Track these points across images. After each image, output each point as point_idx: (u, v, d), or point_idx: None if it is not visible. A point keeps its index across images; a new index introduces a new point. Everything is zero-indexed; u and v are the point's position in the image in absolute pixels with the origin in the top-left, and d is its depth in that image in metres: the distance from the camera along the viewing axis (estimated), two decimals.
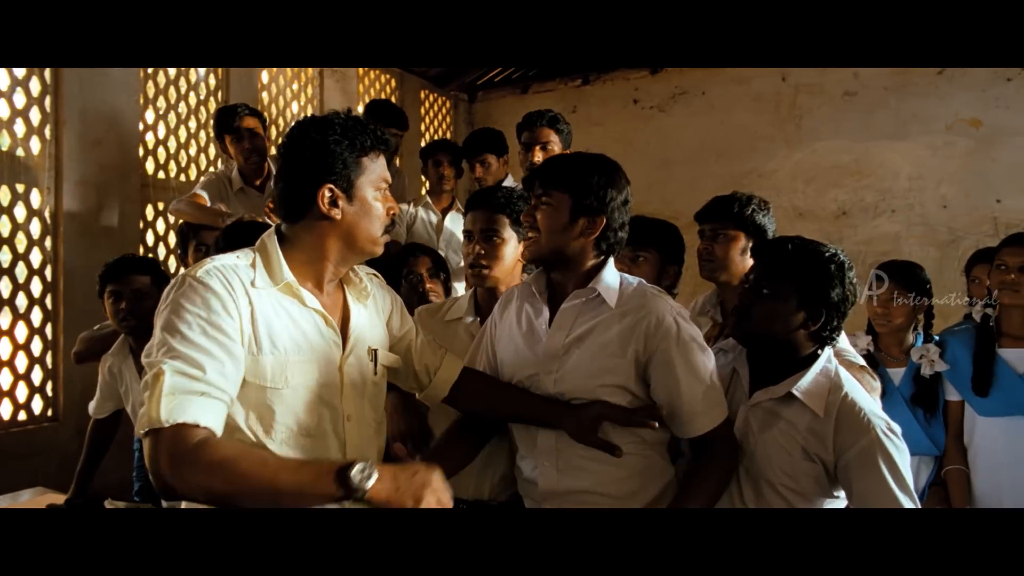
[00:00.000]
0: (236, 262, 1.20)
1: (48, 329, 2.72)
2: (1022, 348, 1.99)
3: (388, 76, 4.37)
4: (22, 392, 2.67)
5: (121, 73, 2.88)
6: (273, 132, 3.41)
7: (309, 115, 1.36)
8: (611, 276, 1.42)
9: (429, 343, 1.48)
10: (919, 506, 1.32)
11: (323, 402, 1.23)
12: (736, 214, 1.81)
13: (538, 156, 2.62)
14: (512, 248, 1.64)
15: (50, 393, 2.74)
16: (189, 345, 1.08)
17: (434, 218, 3.06)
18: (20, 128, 2.62)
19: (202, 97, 3.30)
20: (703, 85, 4.25)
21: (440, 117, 4.85)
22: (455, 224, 3.00)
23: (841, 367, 1.42)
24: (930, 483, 2.12)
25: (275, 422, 1.18)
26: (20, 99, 2.62)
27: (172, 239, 3.13)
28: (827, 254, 1.38)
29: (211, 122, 3.22)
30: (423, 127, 4.68)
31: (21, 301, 2.64)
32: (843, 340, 1.63)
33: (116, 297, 2.06)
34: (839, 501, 1.39)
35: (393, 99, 4.30)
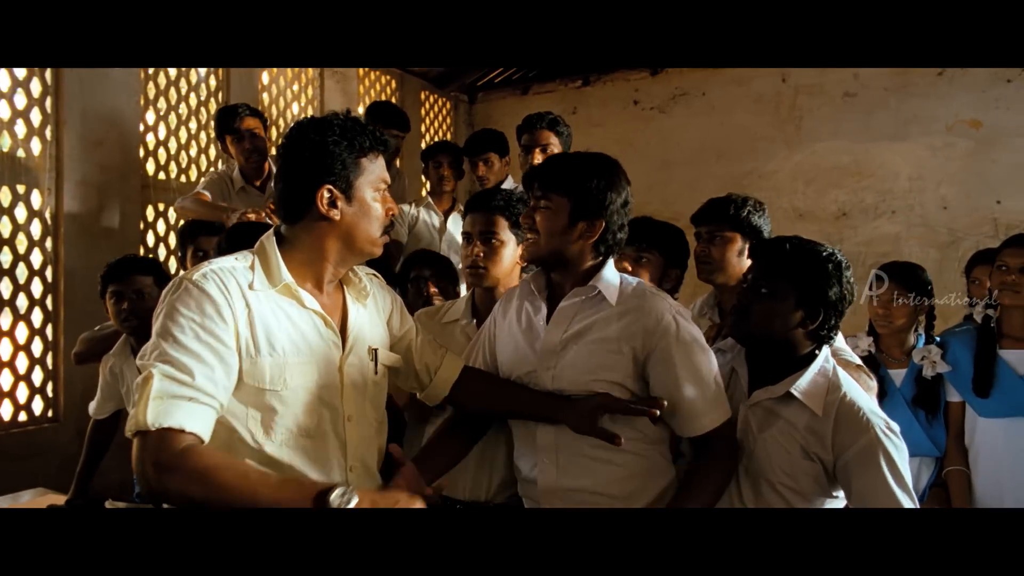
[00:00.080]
0: (234, 264, 1.21)
1: (48, 330, 2.72)
2: (1023, 349, 1.99)
3: (388, 77, 4.37)
4: (22, 393, 2.67)
5: (122, 74, 2.89)
6: (274, 133, 3.41)
7: (309, 116, 1.36)
8: (611, 275, 1.42)
9: (429, 342, 1.49)
10: (917, 503, 1.33)
11: (323, 403, 1.24)
12: (732, 216, 1.81)
13: (538, 158, 2.63)
14: (511, 250, 1.65)
15: (50, 394, 2.74)
16: (180, 349, 1.09)
17: (436, 220, 3.06)
18: (21, 129, 2.63)
19: (203, 98, 3.30)
20: (703, 86, 4.25)
21: (440, 118, 4.85)
22: (457, 226, 3.00)
23: (839, 366, 1.42)
24: (931, 484, 2.12)
25: (274, 423, 1.19)
26: (21, 100, 2.62)
27: (173, 240, 3.14)
28: (824, 253, 1.39)
29: (212, 123, 3.22)
30: (423, 128, 4.68)
31: (22, 302, 2.64)
32: (839, 340, 1.63)
33: (118, 297, 2.07)
34: (838, 501, 1.39)
35: (393, 100, 4.30)
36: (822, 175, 3.93)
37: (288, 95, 3.74)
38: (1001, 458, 1.98)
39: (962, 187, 3.60)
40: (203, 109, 3.30)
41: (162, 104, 3.13)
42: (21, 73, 2.62)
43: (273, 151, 2.93)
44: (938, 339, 2.11)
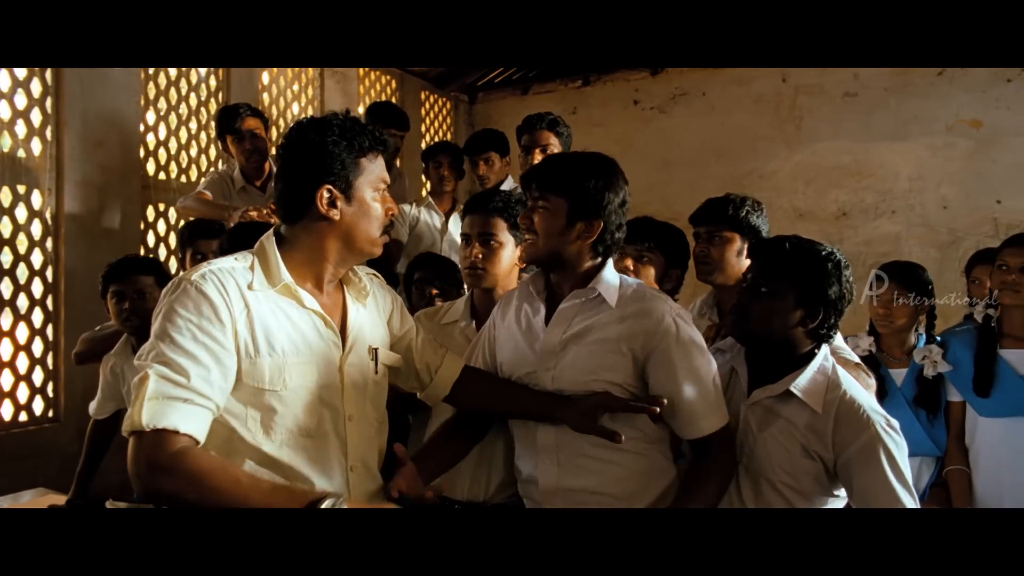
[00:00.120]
0: (234, 265, 1.21)
1: (49, 330, 2.72)
2: (1023, 349, 1.99)
3: (388, 77, 4.37)
4: (23, 393, 2.67)
5: (122, 74, 2.89)
6: (274, 133, 3.42)
7: (309, 116, 1.36)
8: (611, 276, 1.42)
9: (430, 342, 1.49)
10: (917, 500, 1.33)
11: (323, 403, 1.24)
12: (731, 216, 1.81)
13: (538, 158, 2.63)
14: (509, 251, 1.65)
15: (51, 394, 2.74)
16: (177, 350, 1.09)
17: (437, 220, 3.06)
18: (21, 129, 2.63)
19: (203, 98, 3.30)
20: (703, 86, 4.25)
21: (440, 118, 4.85)
22: (458, 226, 2.99)
23: (838, 364, 1.42)
24: (932, 483, 2.12)
25: (274, 423, 1.19)
26: (21, 100, 2.62)
27: (173, 240, 3.14)
28: (824, 252, 1.39)
29: (212, 123, 3.23)
30: (423, 128, 4.68)
31: (22, 302, 2.65)
32: (838, 338, 1.64)
33: (119, 297, 2.07)
34: (839, 500, 1.39)
35: (393, 100, 4.30)
36: (822, 175, 3.93)
37: (288, 95, 3.74)
38: (1001, 458, 1.98)
39: (962, 187, 3.60)
40: (203, 109, 3.30)
41: (162, 104, 3.13)
42: (22, 73, 2.62)
43: (273, 151, 2.93)
44: (939, 339, 2.11)
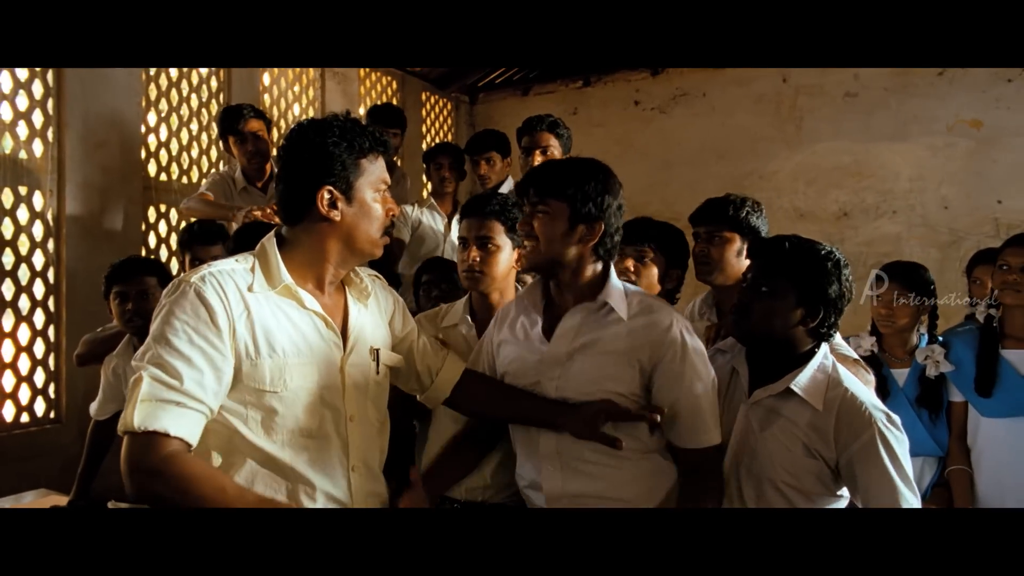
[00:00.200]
0: (234, 267, 1.21)
1: (51, 331, 2.72)
2: None
3: (389, 78, 4.38)
4: (24, 394, 2.67)
5: (123, 76, 2.89)
6: (275, 135, 3.42)
7: (310, 118, 1.37)
8: (617, 286, 1.42)
9: (431, 344, 1.49)
10: (919, 496, 1.33)
11: (325, 403, 1.24)
12: (731, 216, 1.81)
13: (538, 160, 2.63)
14: (507, 254, 1.65)
15: (52, 395, 2.74)
16: (172, 353, 1.10)
17: (440, 222, 3.06)
18: (23, 131, 2.63)
19: (204, 100, 3.31)
20: (704, 87, 4.26)
21: (441, 119, 4.85)
22: None
23: (838, 362, 1.43)
24: (934, 484, 2.12)
25: (275, 424, 1.19)
26: (23, 102, 2.63)
27: (174, 241, 3.14)
28: (823, 252, 1.40)
29: (213, 124, 3.23)
30: (424, 129, 4.68)
31: (24, 303, 2.65)
32: (835, 336, 1.64)
33: (122, 298, 2.08)
34: (841, 500, 1.39)
35: (394, 101, 4.31)
36: (823, 175, 3.93)
37: (289, 96, 3.74)
38: (1003, 458, 1.98)
39: (963, 187, 3.60)
40: (204, 110, 3.30)
41: (163, 106, 3.13)
42: (23, 75, 2.63)
43: (275, 152, 2.93)
44: (940, 339, 2.11)
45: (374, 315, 1.38)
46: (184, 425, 1.08)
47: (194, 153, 3.28)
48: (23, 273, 2.64)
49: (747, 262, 1.78)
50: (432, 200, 3.12)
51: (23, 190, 2.63)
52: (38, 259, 2.68)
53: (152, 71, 3.06)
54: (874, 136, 3.78)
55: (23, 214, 2.63)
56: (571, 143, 2.77)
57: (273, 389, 1.18)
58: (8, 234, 2.60)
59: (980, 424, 2.03)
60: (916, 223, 3.70)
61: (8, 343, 2.62)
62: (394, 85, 4.41)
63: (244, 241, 1.59)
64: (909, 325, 2.11)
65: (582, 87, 4.66)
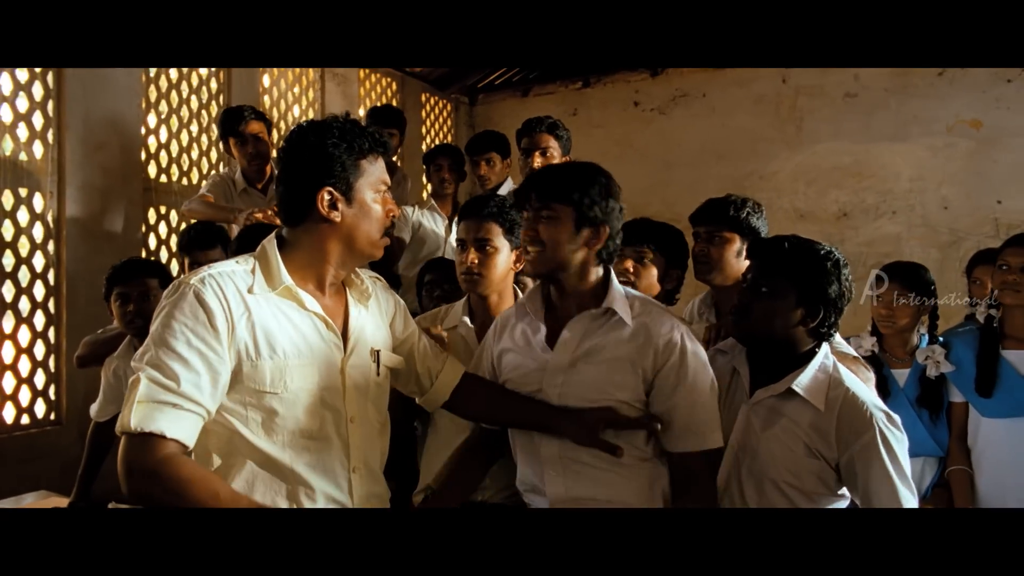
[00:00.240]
0: (235, 268, 1.21)
1: (51, 333, 2.72)
2: None
3: (389, 80, 4.38)
4: (25, 396, 2.67)
5: (123, 77, 2.89)
6: (275, 136, 3.42)
7: (310, 119, 1.37)
8: (619, 291, 1.42)
9: (432, 347, 1.49)
10: (916, 495, 1.34)
11: (325, 405, 1.24)
12: (732, 217, 1.81)
13: (538, 161, 2.63)
14: (505, 256, 1.65)
15: (53, 397, 2.74)
16: (170, 355, 1.10)
17: (441, 223, 3.06)
18: (23, 133, 2.63)
19: (204, 101, 3.31)
20: (704, 87, 4.26)
21: (441, 120, 4.86)
22: None
23: (839, 362, 1.43)
24: (934, 484, 2.12)
25: (276, 425, 1.19)
26: (23, 104, 2.63)
27: (175, 243, 3.14)
28: (823, 251, 1.40)
29: (213, 126, 3.23)
30: (424, 130, 4.69)
31: (24, 305, 2.65)
32: (835, 335, 1.64)
33: (124, 299, 2.08)
34: (842, 500, 1.39)
35: (394, 102, 4.31)
36: (823, 176, 3.93)
37: (289, 98, 3.75)
38: (1004, 458, 1.97)
39: (963, 187, 3.60)
40: (204, 112, 3.31)
41: (164, 107, 3.13)
42: (23, 77, 2.63)
43: (275, 154, 2.93)
44: (941, 339, 2.11)
45: (375, 316, 1.37)
46: (180, 427, 1.08)
47: (194, 155, 3.28)
48: (23, 275, 2.64)
49: (746, 263, 1.78)
50: (432, 202, 3.12)
51: (23, 192, 2.63)
52: (38, 261, 2.68)
53: (152, 73, 3.06)
54: (874, 136, 3.79)
55: (23, 216, 2.64)
56: (571, 144, 2.77)
57: (273, 390, 1.18)
58: (8, 236, 2.60)
59: (981, 424, 2.03)
60: (916, 223, 3.70)
61: (8, 345, 2.62)
62: (394, 86, 4.41)
63: (248, 243, 1.59)
64: (910, 325, 2.11)
65: (582, 88, 4.66)
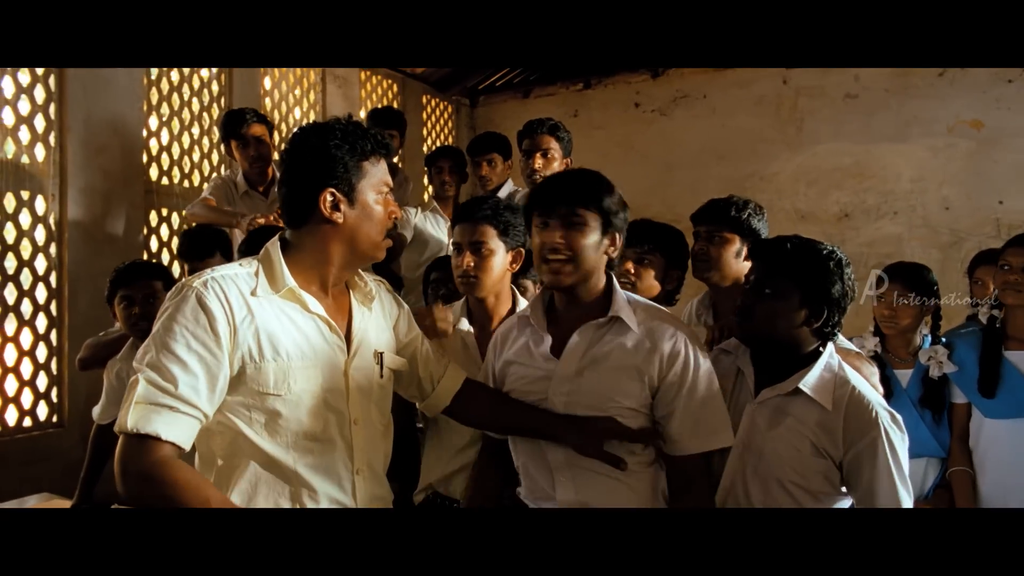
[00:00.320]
0: (238, 271, 1.21)
1: (53, 335, 2.73)
2: None
3: (390, 81, 4.39)
4: (27, 398, 2.68)
5: (125, 80, 2.90)
6: (276, 137, 3.43)
7: (311, 121, 1.37)
8: (623, 297, 1.41)
9: (434, 352, 1.49)
10: (912, 495, 1.34)
11: (329, 407, 1.24)
12: (733, 217, 1.82)
13: (539, 162, 2.64)
14: (500, 258, 1.65)
15: (55, 399, 2.75)
16: (169, 357, 1.10)
17: (443, 225, 3.07)
18: (25, 135, 2.64)
19: (205, 103, 3.31)
20: (704, 88, 4.26)
21: (442, 122, 4.86)
22: None
23: (843, 361, 1.43)
24: (936, 485, 2.12)
25: (279, 427, 1.19)
26: (25, 106, 2.64)
27: (176, 245, 3.15)
28: (825, 251, 1.40)
29: (214, 128, 3.24)
30: (425, 132, 4.69)
31: (26, 307, 2.66)
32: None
33: (128, 302, 2.08)
34: (846, 499, 1.40)
35: (395, 104, 4.32)
36: (824, 177, 3.93)
37: (290, 100, 3.75)
38: (1006, 459, 1.97)
39: (964, 188, 3.60)
40: (206, 114, 3.31)
41: (165, 109, 3.14)
42: (25, 80, 2.63)
43: (276, 156, 2.94)
44: (943, 340, 2.11)
45: (378, 319, 1.38)
46: (176, 430, 1.08)
47: (195, 157, 3.29)
48: (25, 277, 2.64)
49: (746, 264, 1.78)
50: (435, 204, 3.13)
51: (25, 194, 2.63)
52: (40, 263, 2.68)
53: (153, 75, 3.07)
54: (875, 137, 3.79)
55: (25, 218, 2.64)
56: (572, 146, 2.78)
57: (276, 392, 1.18)
58: (10, 238, 2.61)
59: (983, 425, 2.03)
60: (917, 224, 3.70)
61: (10, 347, 2.63)
62: (395, 88, 4.42)
63: (255, 246, 1.59)
64: (912, 326, 2.11)
65: (582, 89, 4.67)
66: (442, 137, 4.83)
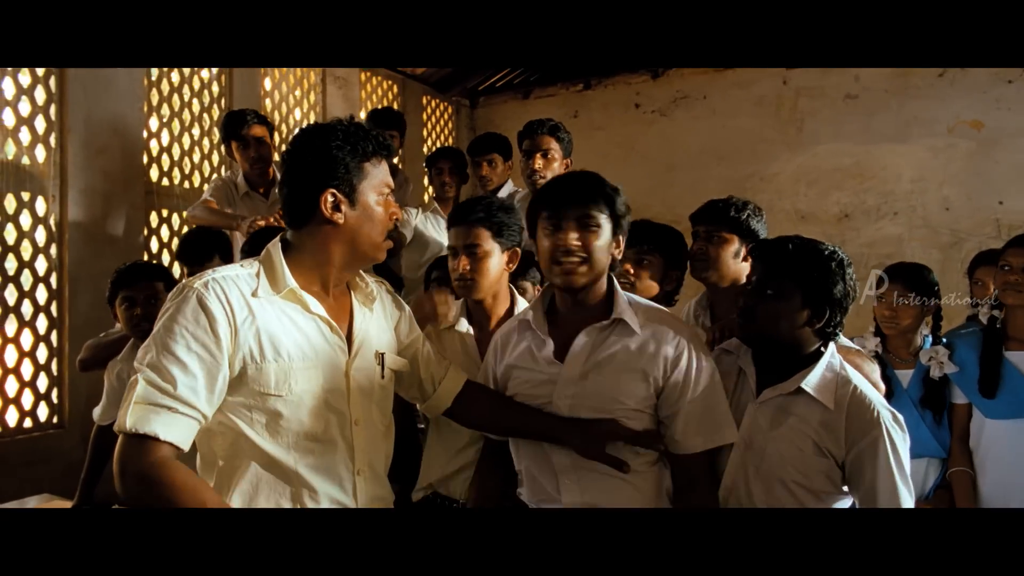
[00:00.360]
0: (239, 272, 1.22)
1: (53, 336, 2.73)
2: None
3: (390, 82, 4.39)
4: (28, 399, 2.68)
5: (125, 81, 2.90)
6: (276, 138, 3.43)
7: (312, 122, 1.38)
8: (624, 299, 1.41)
9: (435, 353, 1.49)
10: (913, 494, 1.34)
11: (330, 407, 1.24)
12: (732, 218, 1.82)
13: (539, 163, 2.64)
14: (496, 259, 1.65)
15: (55, 400, 2.74)
16: (168, 357, 1.10)
17: (443, 226, 3.06)
18: (25, 136, 2.64)
19: (206, 104, 3.32)
20: (704, 89, 4.26)
21: (442, 123, 4.86)
22: None
23: (845, 361, 1.43)
24: (936, 485, 2.12)
25: (280, 427, 1.19)
26: (25, 107, 2.64)
27: (176, 246, 3.15)
28: (827, 252, 1.40)
29: (215, 129, 3.24)
30: (425, 133, 4.69)
31: (27, 308, 2.66)
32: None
33: (130, 303, 2.08)
34: (847, 499, 1.40)
35: (395, 105, 4.32)
36: (824, 177, 3.94)
37: (291, 101, 3.75)
38: (1007, 459, 1.97)
39: (964, 188, 3.60)
40: (206, 115, 3.31)
41: (165, 110, 3.14)
42: (26, 81, 2.64)
43: (277, 157, 2.94)
44: (944, 340, 2.11)
45: (379, 320, 1.38)
46: (174, 430, 1.09)
47: (196, 158, 3.29)
48: (26, 278, 2.64)
49: (744, 265, 1.79)
50: (436, 205, 3.13)
51: (26, 196, 2.63)
52: (41, 264, 2.68)
53: (154, 76, 3.07)
54: (875, 138, 3.79)
55: (26, 219, 2.64)
56: (572, 147, 2.78)
57: (278, 393, 1.18)
58: (11, 239, 2.61)
59: (984, 426, 2.03)
60: (917, 224, 3.70)
61: (11, 348, 2.63)
62: (395, 89, 4.42)
63: (258, 247, 1.59)
64: (913, 326, 2.11)
65: (583, 90, 4.67)
66: (442, 138, 4.83)
